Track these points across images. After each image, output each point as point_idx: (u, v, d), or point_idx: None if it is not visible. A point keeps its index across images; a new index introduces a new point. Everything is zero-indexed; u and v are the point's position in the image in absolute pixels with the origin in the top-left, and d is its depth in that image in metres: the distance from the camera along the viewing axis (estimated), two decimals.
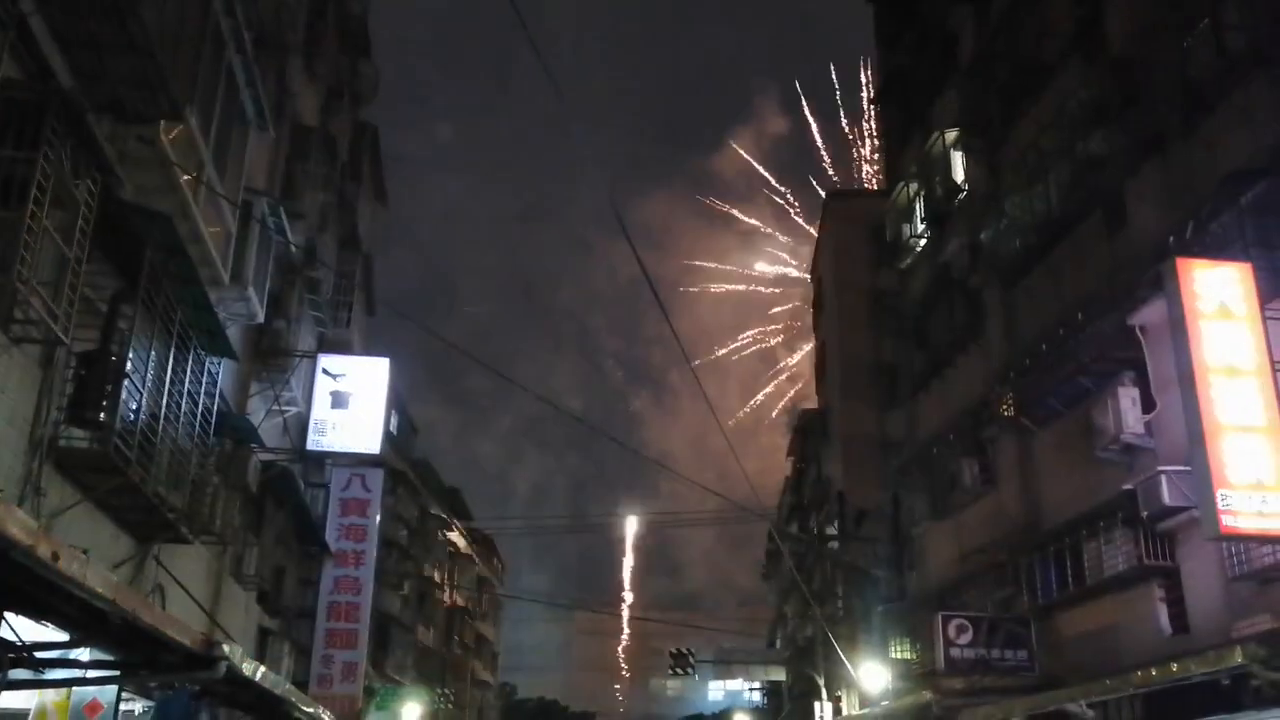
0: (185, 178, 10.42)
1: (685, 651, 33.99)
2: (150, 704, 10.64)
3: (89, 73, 8.79)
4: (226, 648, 7.33)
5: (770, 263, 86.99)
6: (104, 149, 8.62)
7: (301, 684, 18.99)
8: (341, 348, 21.56)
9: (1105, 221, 14.83)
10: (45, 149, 7.45)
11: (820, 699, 27.27)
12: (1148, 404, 13.19)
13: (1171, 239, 12.34)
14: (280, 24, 16.01)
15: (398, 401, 35.42)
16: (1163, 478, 12.12)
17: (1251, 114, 11.84)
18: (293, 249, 16.93)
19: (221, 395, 12.65)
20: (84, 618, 5.88)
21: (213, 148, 11.38)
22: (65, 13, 8.22)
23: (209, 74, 11.09)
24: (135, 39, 8.42)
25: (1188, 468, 11.13)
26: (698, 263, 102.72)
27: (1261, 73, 11.67)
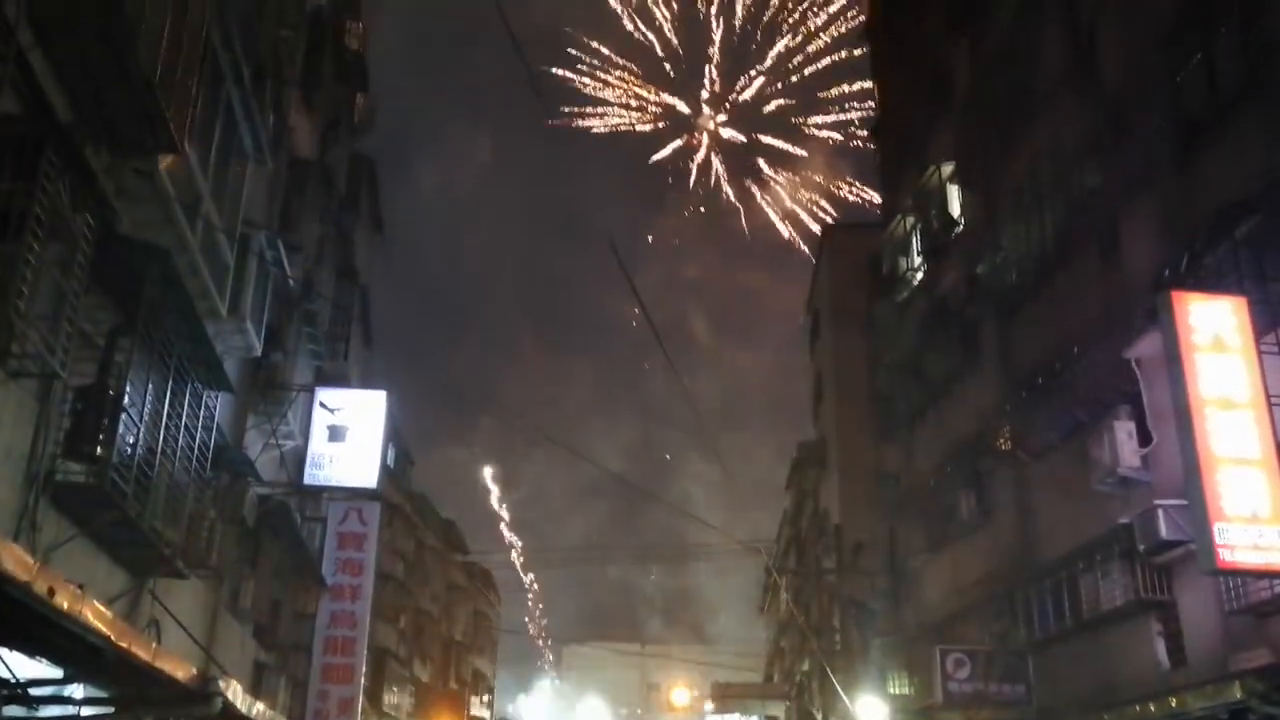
0: (182, 211, 10.46)
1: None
2: None
3: (87, 106, 8.83)
4: (222, 683, 7.30)
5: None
6: (101, 183, 8.67)
7: None
8: (339, 380, 21.56)
9: (1100, 254, 14.89)
10: (43, 182, 7.49)
11: None
12: (1144, 437, 13.20)
13: (1166, 272, 12.39)
14: (278, 57, 16.13)
15: (395, 434, 35.38)
16: (1159, 511, 12.11)
17: (1244, 148, 11.92)
18: (290, 282, 16.97)
19: (219, 429, 12.64)
20: (79, 653, 5.86)
21: (211, 181, 11.43)
22: (64, 47, 8.27)
23: (207, 107, 11.16)
24: (133, 73, 8.46)
25: (1184, 501, 11.12)
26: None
27: (1253, 107, 11.75)
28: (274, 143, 15.44)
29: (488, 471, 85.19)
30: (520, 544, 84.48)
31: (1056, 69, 16.17)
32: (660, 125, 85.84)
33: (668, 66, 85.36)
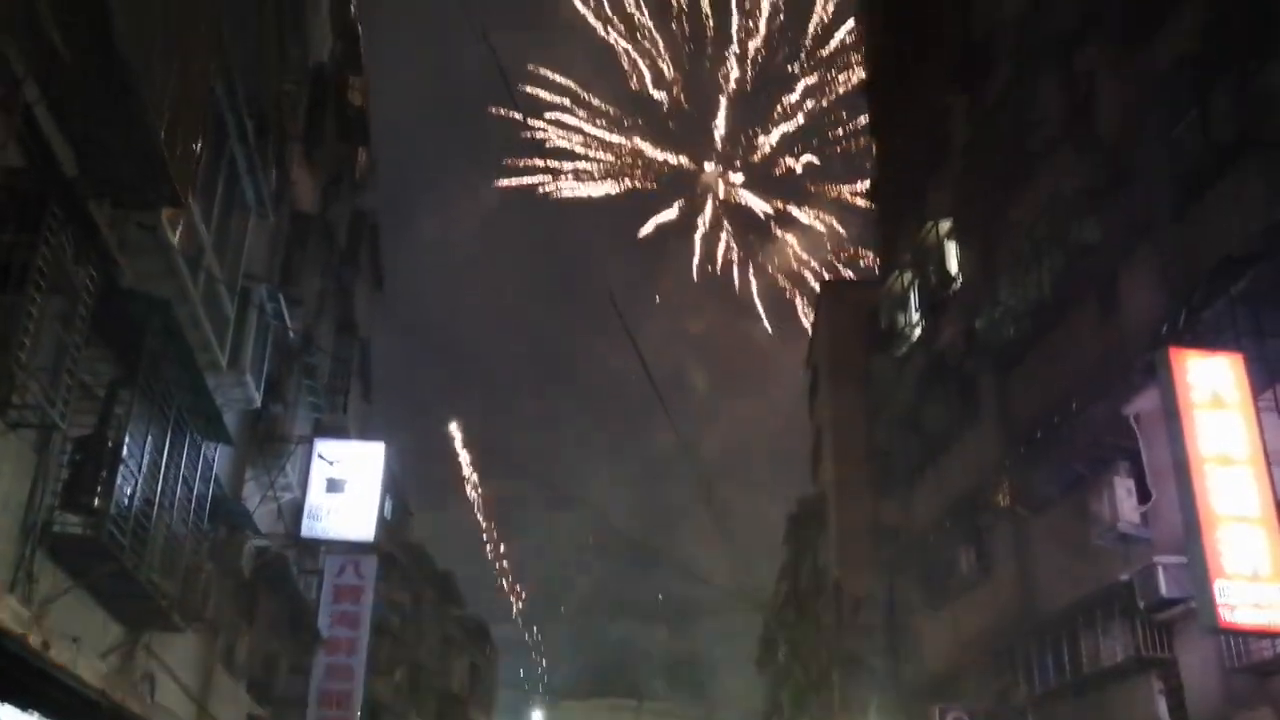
0: (185, 264, 10.52)
1: None
2: None
3: (92, 159, 8.91)
4: None
5: None
6: (105, 236, 8.73)
7: None
8: (338, 432, 21.55)
9: (1099, 308, 14.94)
10: (46, 235, 7.55)
11: None
12: (1144, 493, 13.17)
13: (1164, 327, 12.43)
14: (281, 112, 16.29)
15: (393, 485, 35.26)
16: (1159, 568, 12.06)
17: (1241, 202, 11.99)
18: (291, 335, 17.02)
19: (217, 480, 12.62)
20: (74, 707, 5.82)
21: (213, 234, 11.52)
22: (69, 101, 8.36)
23: (210, 161, 11.26)
24: (138, 126, 8.55)
25: (1184, 558, 11.09)
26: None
27: (1250, 161, 11.85)
28: (276, 197, 15.56)
29: (482, 520, 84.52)
30: (516, 588, 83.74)
31: (1054, 123, 16.32)
32: (660, 184, 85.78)
33: (672, 124, 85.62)
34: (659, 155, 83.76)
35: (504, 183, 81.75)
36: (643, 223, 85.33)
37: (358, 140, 24.83)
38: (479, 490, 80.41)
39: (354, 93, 23.56)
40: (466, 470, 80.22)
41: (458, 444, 79.53)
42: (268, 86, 14.91)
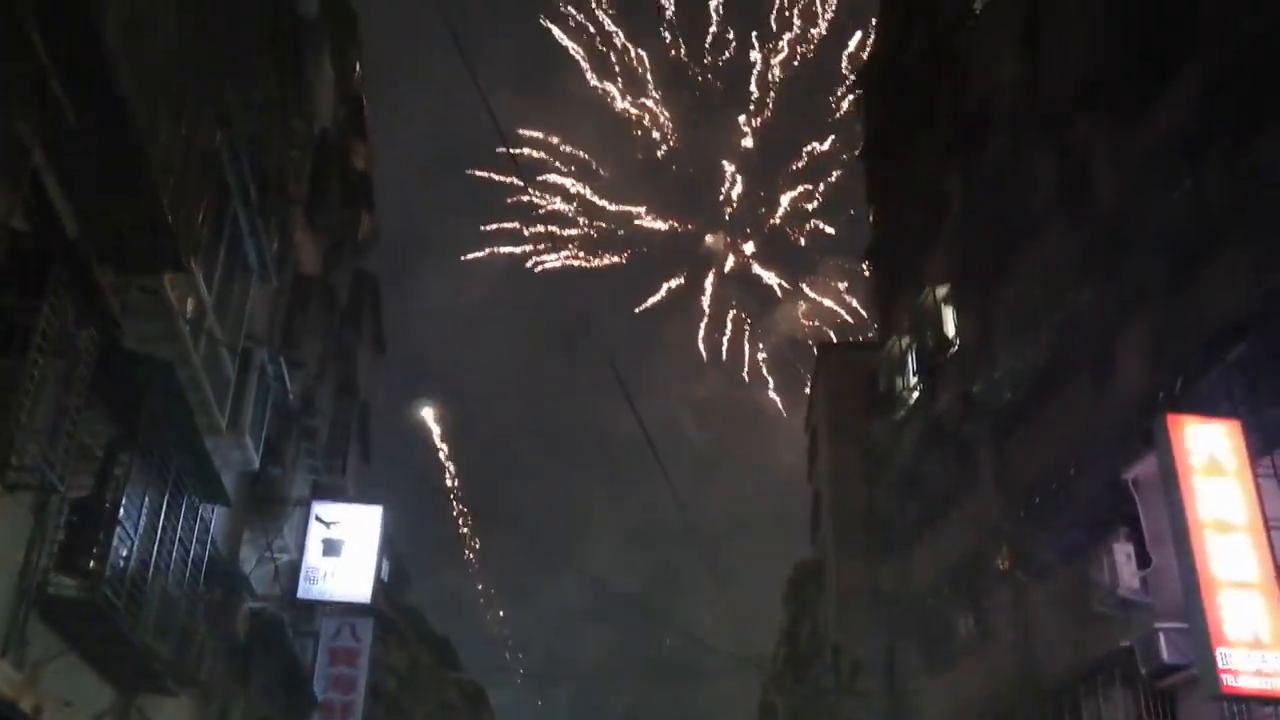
0: (186, 326, 10.59)
1: None
2: None
3: (95, 224, 9.01)
4: None
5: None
6: (107, 299, 8.80)
7: None
8: (335, 494, 21.51)
9: (1095, 374, 14.99)
10: (49, 298, 7.61)
11: None
12: (1143, 558, 13.11)
13: (1161, 395, 12.47)
14: (285, 177, 16.48)
15: (390, 547, 35.08)
16: (1160, 634, 11.97)
17: (1235, 271, 12.09)
18: (290, 397, 17.06)
19: (213, 542, 12.59)
20: None
21: (215, 296, 11.60)
22: (76, 167, 8.48)
23: (214, 225, 11.39)
24: (143, 192, 8.66)
25: (1185, 624, 11.03)
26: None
27: (1243, 232, 11.97)
28: (278, 260, 15.70)
29: (480, 585, 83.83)
30: (518, 655, 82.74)
31: (1049, 192, 16.48)
32: (665, 251, 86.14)
33: (676, 192, 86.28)
34: (662, 224, 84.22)
35: (501, 250, 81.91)
36: (647, 287, 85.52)
37: (361, 204, 25.07)
38: (473, 553, 79.80)
39: (358, 157, 23.85)
40: (463, 530, 79.72)
41: (454, 499, 79.12)
42: (272, 152, 15.10)
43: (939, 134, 21.62)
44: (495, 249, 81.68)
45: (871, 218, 27.38)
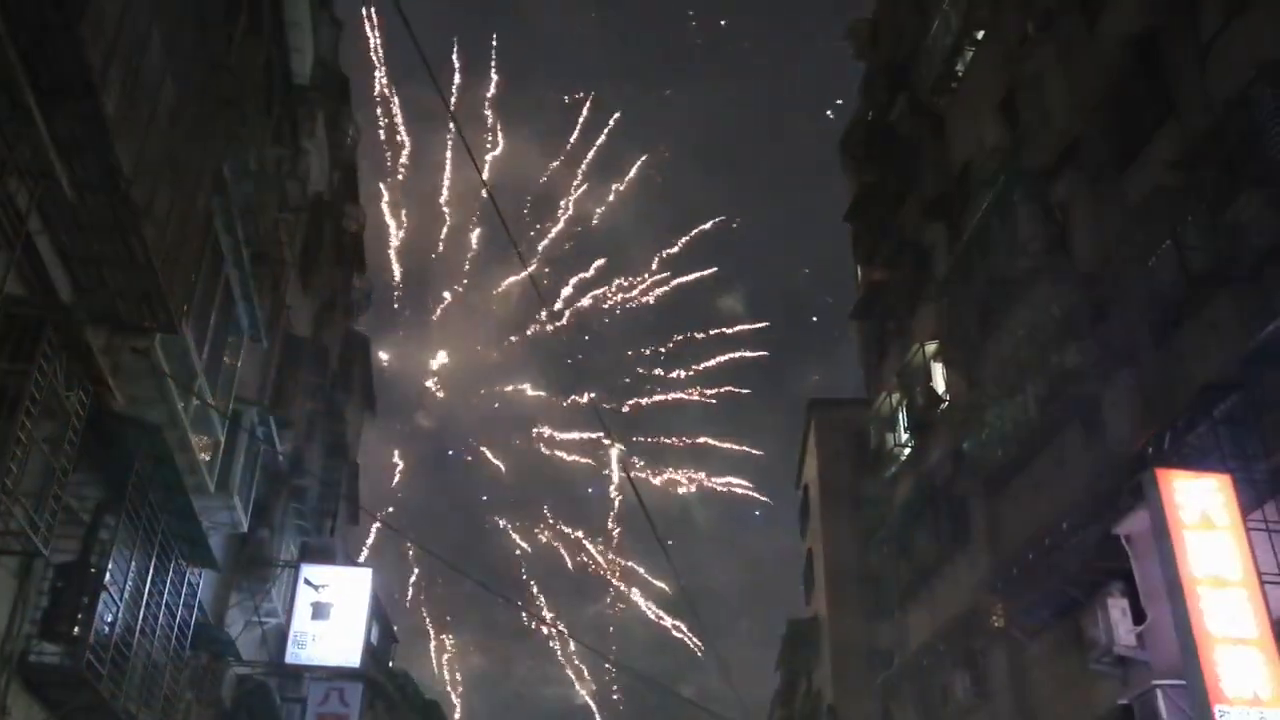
0: (176, 388, 10.57)
1: None
2: None
3: (89, 287, 9.03)
4: None
5: None
6: (98, 361, 8.79)
7: None
8: (324, 557, 21.34)
9: (1084, 430, 15.03)
10: (40, 361, 7.60)
11: None
12: (1138, 614, 13.04)
13: (1150, 450, 12.49)
14: (278, 240, 16.55)
15: (378, 610, 34.73)
16: (1158, 692, 11.87)
17: (1219, 327, 12.19)
18: (280, 458, 16.99)
19: (200, 606, 12.46)
20: None
21: (206, 359, 11.59)
22: (71, 235, 8.51)
23: (206, 288, 11.40)
24: (137, 256, 8.69)
25: (1183, 682, 10.94)
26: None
27: (1224, 289, 12.09)
28: (270, 321, 15.71)
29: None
30: None
31: (1032, 251, 16.61)
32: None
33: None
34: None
35: None
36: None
37: (352, 266, 25.18)
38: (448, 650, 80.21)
39: (349, 220, 24.00)
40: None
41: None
42: (265, 215, 15.19)
43: (923, 194, 21.84)
44: None
45: (859, 277, 27.54)
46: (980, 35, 20.02)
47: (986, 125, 18.80)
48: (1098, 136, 15.16)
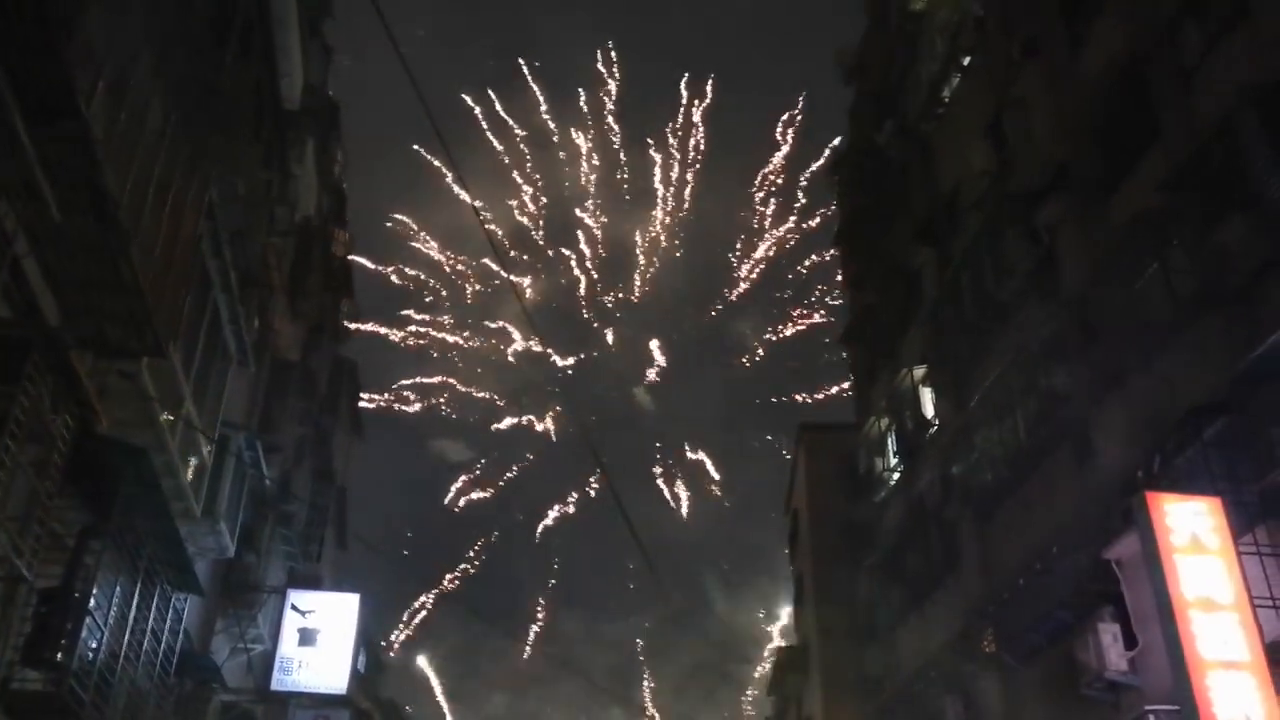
0: (163, 412, 10.51)
1: None
2: None
3: (76, 310, 8.98)
4: None
5: None
6: (84, 385, 8.73)
7: None
8: (311, 582, 21.21)
9: (1074, 454, 15.02)
10: (26, 384, 7.54)
11: None
12: (1130, 638, 13.00)
13: (1140, 473, 12.49)
14: (266, 265, 16.52)
15: (365, 637, 34.50)
16: (1151, 717, 11.82)
17: (1206, 350, 12.21)
18: (267, 482, 16.89)
19: (185, 632, 12.33)
20: None
21: (193, 382, 11.53)
22: (57, 253, 8.46)
23: (194, 312, 11.36)
24: (125, 279, 8.65)
25: (1176, 707, 10.89)
26: None
27: (1212, 313, 12.12)
28: (258, 345, 15.66)
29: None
30: None
31: (1019, 276, 16.67)
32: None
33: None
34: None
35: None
36: None
37: (341, 290, 25.14)
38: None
39: (338, 245, 23.98)
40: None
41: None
42: (254, 240, 15.16)
43: (912, 218, 21.92)
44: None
45: (849, 301, 27.61)
46: (967, 61, 20.16)
47: (974, 150, 18.88)
48: (1084, 160, 15.24)
